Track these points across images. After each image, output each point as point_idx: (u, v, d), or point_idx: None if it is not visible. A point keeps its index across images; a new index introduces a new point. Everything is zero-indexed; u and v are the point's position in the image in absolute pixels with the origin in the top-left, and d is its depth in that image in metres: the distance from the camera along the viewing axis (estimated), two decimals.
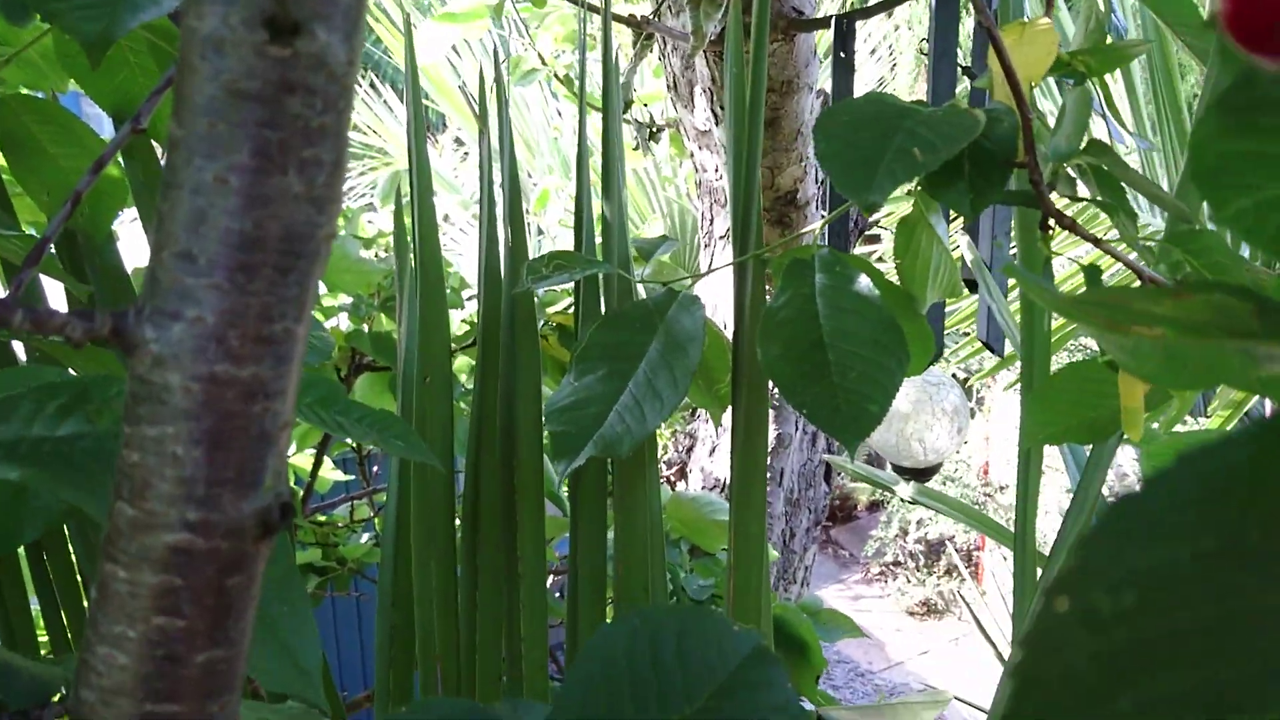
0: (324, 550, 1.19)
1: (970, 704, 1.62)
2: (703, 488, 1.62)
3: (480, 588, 0.77)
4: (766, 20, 0.76)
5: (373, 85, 3.66)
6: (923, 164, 0.53)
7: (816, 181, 1.38)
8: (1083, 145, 0.58)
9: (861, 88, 3.80)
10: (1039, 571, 0.88)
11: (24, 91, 0.66)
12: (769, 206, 1.39)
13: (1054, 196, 0.61)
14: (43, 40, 0.65)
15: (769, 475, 1.56)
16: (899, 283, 0.75)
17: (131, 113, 0.65)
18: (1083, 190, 0.62)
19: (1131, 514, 0.16)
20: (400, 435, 0.48)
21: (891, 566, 4.75)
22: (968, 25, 1.52)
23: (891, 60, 4.06)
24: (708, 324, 0.76)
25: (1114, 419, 0.67)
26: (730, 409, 0.76)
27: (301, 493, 1.18)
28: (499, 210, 0.83)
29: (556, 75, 1.61)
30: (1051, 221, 0.58)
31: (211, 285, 0.22)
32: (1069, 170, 0.61)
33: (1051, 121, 0.65)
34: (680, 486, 1.66)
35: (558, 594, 1.63)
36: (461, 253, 3.03)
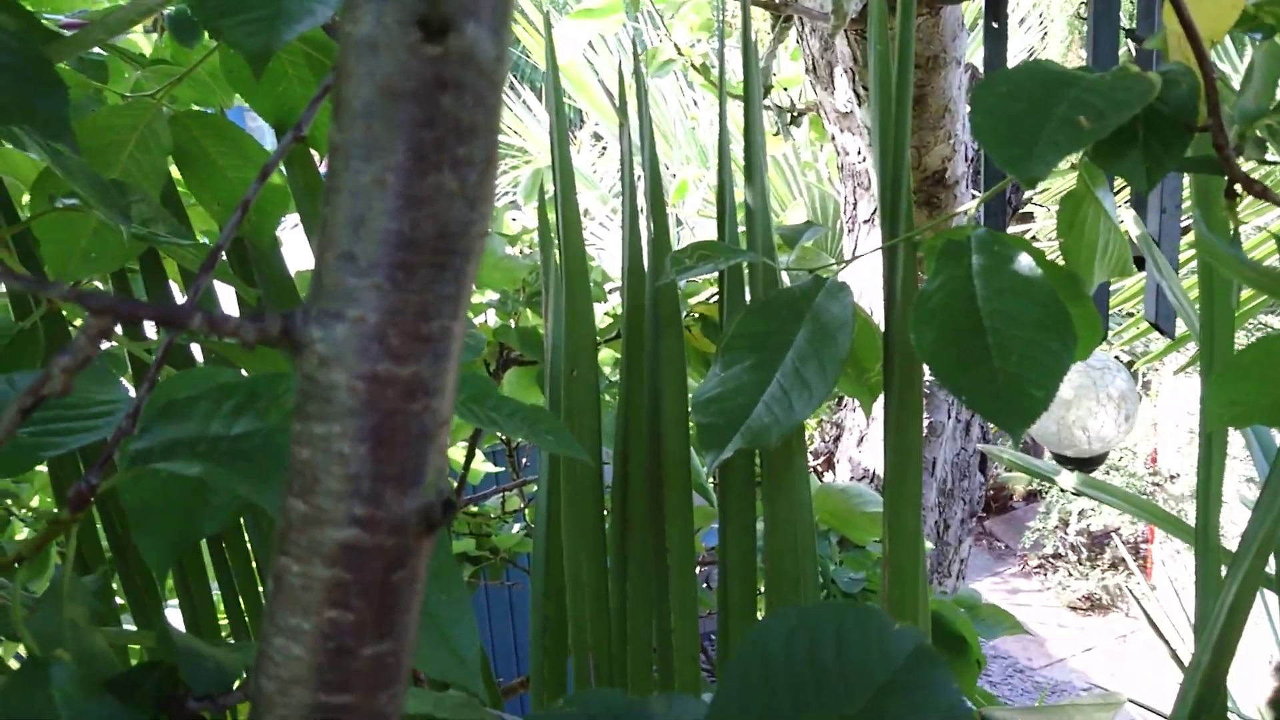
0: (478, 540, 1.23)
1: (1145, 706, 1.53)
2: (851, 478, 1.58)
3: (630, 579, 0.77)
4: None
5: (511, 85, 3.75)
6: (1091, 131, 0.50)
7: (966, 160, 1.32)
8: (1273, 105, 0.53)
9: (1010, 59, 3.64)
10: (1223, 569, 0.82)
11: (194, 108, 0.70)
12: (916, 187, 1.35)
13: (1240, 161, 0.56)
14: (209, 59, 0.68)
15: (922, 466, 1.51)
16: (1062, 262, 0.71)
17: (291, 123, 0.68)
18: (1272, 155, 0.57)
19: None
20: (551, 430, 0.48)
21: (1051, 559, 4.54)
22: None
23: (1042, 29, 3.87)
24: (857, 310, 0.74)
25: None
26: (882, 398, 0.74)
27: (455, 485, 1.22)
28: (640, 203, 0.83)
29: (693, 65, 1.60)
30: (1239, 188, 0.53)
31: (372, 285, 0.22)
32: (1257, 132, 0.56)
33: (1235, 82, 0.60)
34: (828, 477, 1.63)
35: (705, 584, 1.62)
36: (602, 247, 3.06)
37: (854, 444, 1.57)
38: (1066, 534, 4.45)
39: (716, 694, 0.40)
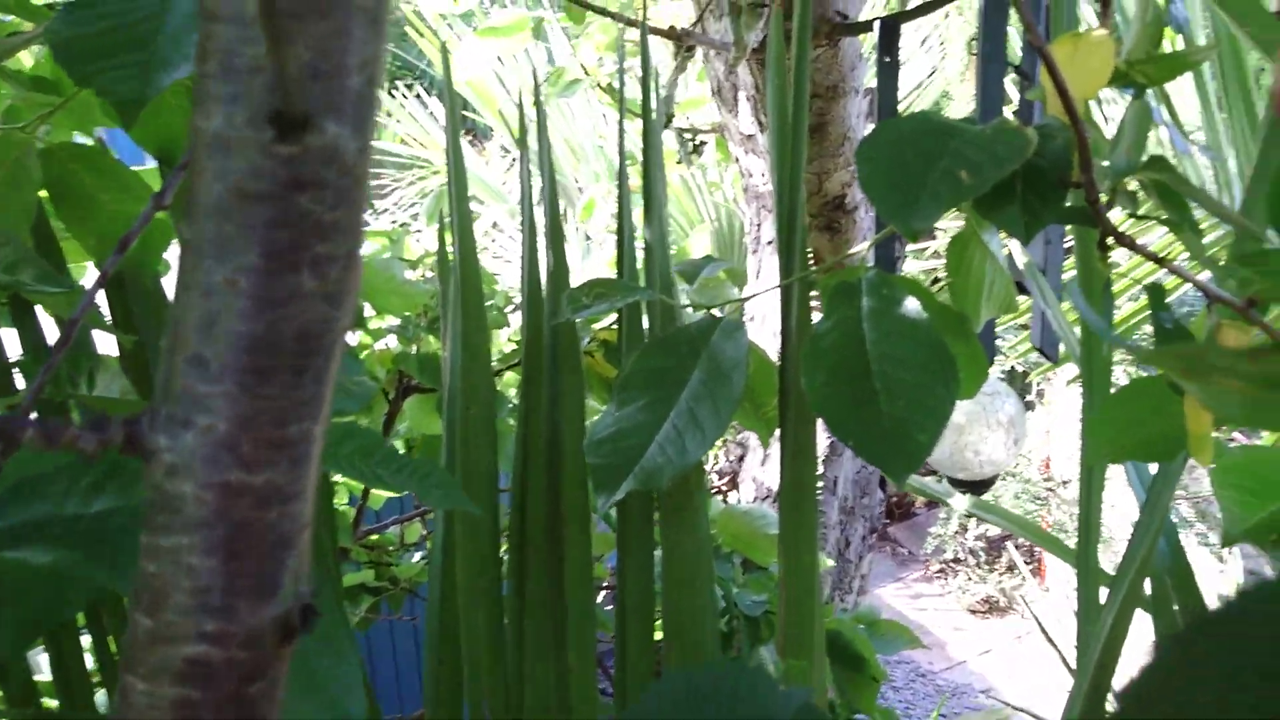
0: (377, 570, 1.20)
1: (1035, 716, 1.58)
2: (755, 498, 1.60)
3: (528, 616, 0.77)
4: (808, 27, 0.74)
5: (419, 96, 3.69)
6: (970, 187, 0.51)
7: None
8: (1144, 159, 0.55)
9: (911, 78, 3.74)
10: (1103, 592, 0.85)
11: (72, 138, 0.67)
12: (816, 212, 1.37)
13: (1114, 213, 0.58)
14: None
15: (823, 484, 1.54)
16: (951, 301, 0.73)
17: (176, 155, 0.66)
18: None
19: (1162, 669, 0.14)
20: (440, 484, 0.48)
21: (951, 564, 4.67)
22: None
23: (942, 51, 3.99)
24: (752, 348, 0.75)
25: (1180, 438, 0.65)
26: (779, 431, 0.75)
27: (355, 512, 1.19)
28: (539, 230, 0.82)
29: (600, 85, 1.60)
30: (1111, 240, 0.55)
31: (223, 392, 0.21)
32: (1129, 187, 0.58)
33: (1110, 132, 0.62)
34: (732, 497, 1.65)
35: (609, 607, 1.62)
36: (510, 260, 3.04)
37: (758, 464, 1.58)
38: (965, 539, 4.58)
39: None
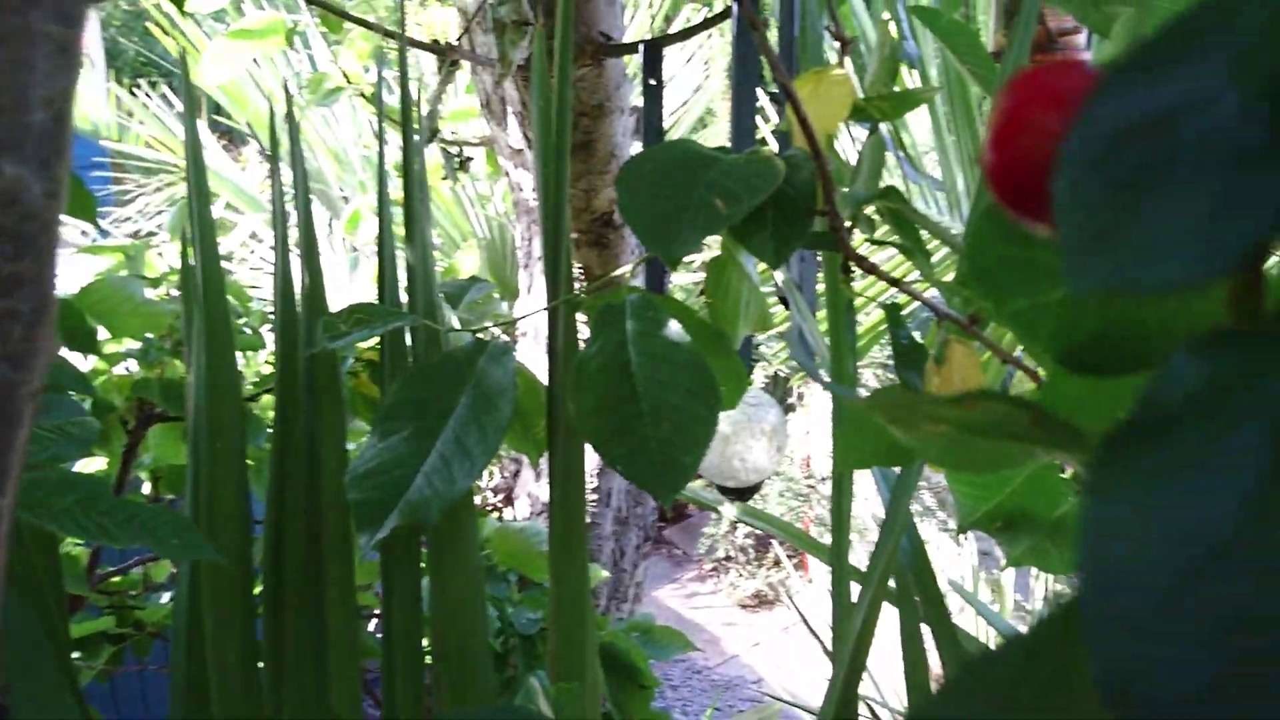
0: (119, 616, 1.09)
1: (800, 705, 1.67)
2: (531, 514, 1.59)
3: (287, 661, 0.72)
4: (570, 47, 0.74)
5: (165, 96, 3.42)
6: (728, 215, 0.53)
7: None
8: (880, 189, 0.59)
9: (677, 95, 3.85)
10: (855, 587, 0.91)
11: None
12: (585, 228, 1.38)
13: (857, 237, 0.62)
14: None
15: (596, 497, 1.55)
16: (711, 320, 0.75)
17: None
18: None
19: (952, 698, 0.15)
20: (178, 533, 0.43)
21: (723, 561, 4.86)
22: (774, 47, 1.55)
23: (706, 69, 4.15)
24: (520, 370, 0.74)
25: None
26: (548, 453, 0.74)
27: (90, 555, 1.08)
28: (293, 244, 0.78)
29: (362, 94, 1.54)
30: (853, 264, 0.59)
31: None
32: (868, 214, 0.62)
33: (855, 159, 0.66)
34: (508, 513, 1.63)
35: (379, 634, 1.55)
36: (270, 271, 2.87)
37: (533, 479, 1.58)
38: (735, 538, 4.78)
39: None
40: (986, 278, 0.29)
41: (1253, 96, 0.14)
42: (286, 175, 0.84)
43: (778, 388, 4.51)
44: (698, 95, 3.88)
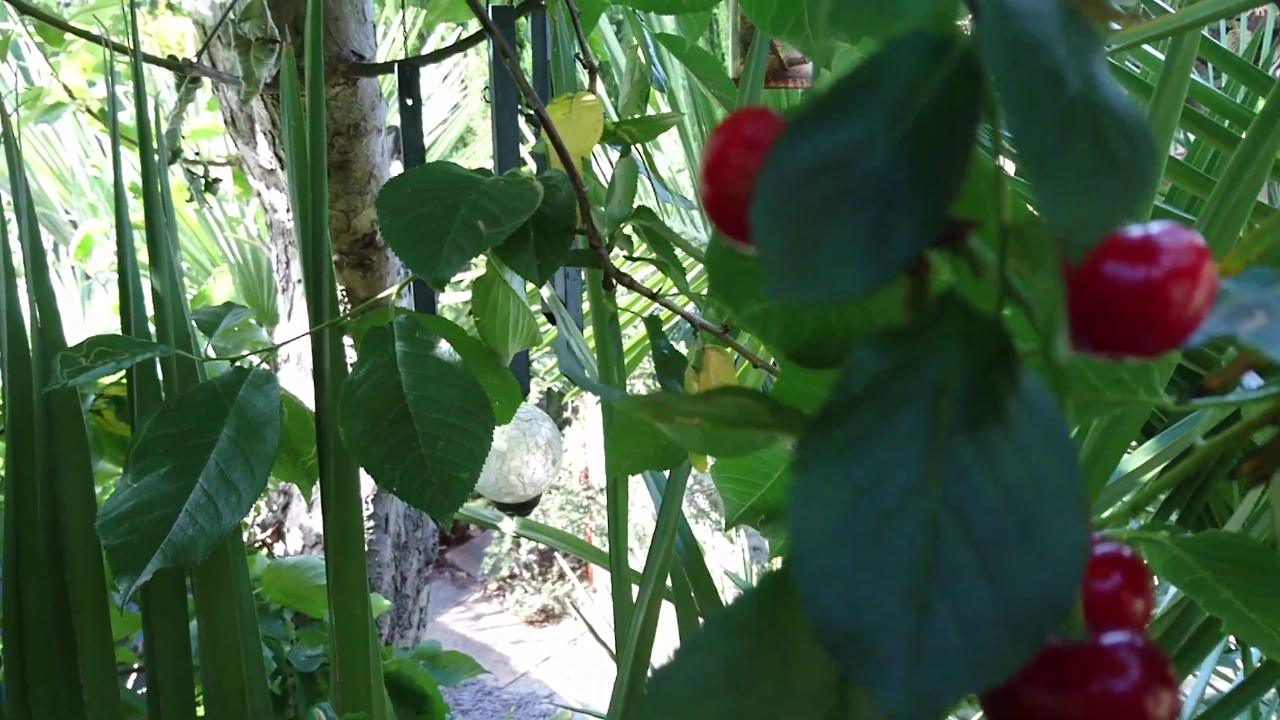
0: None
1: (589, 712, 1.69)
2: (304, 546, 1.53)
3: None
4: (321, 66, 0.73)
5: None
6: (488, 237, 0.54)
7: None
8: (635, 208, 0.63)
9: (436, 114, 3.81)
10: (635, 589, 0.94)
11: None
12: (347, 250, 1.35)
13: (616, 255, 0.65)
14: None
15: (374, 523, 1.51)
16: (480, 338, 0.76)
17: None
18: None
19: (667, 684, 0.17)
20: None
21: (508, 580, 4.83)
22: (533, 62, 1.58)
23: (464, 87, 4.13)
24: (286, 397, 0.72)
25: (681, 450, 0.74)
26: (320, 482, 0.73)
27: None
28: (19, 275, 0.72)
29: (90, 110, 1.43)
30: (614, 280, 0.62)
31: None
32: (625, 232, 0.66)
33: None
34: (278, 548, 1.56)
35: (142, 690, 1.45)
36: None
37: (304, 511, 1.52)
38: (519, 554, 4.77)
39: None
40: (725, 288, 0.32)
41: (898, 146, 0.18)
42: (5, 198, 0.77)
43: (552, 403, 4.55)
44: (456, 114, 3.86)
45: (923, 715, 0.16)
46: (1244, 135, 0.61)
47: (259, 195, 1.55)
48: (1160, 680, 0.19)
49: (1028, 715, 0.20)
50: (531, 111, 1.13)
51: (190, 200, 1.10)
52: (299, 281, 1.58)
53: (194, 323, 0.73)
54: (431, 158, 2.31)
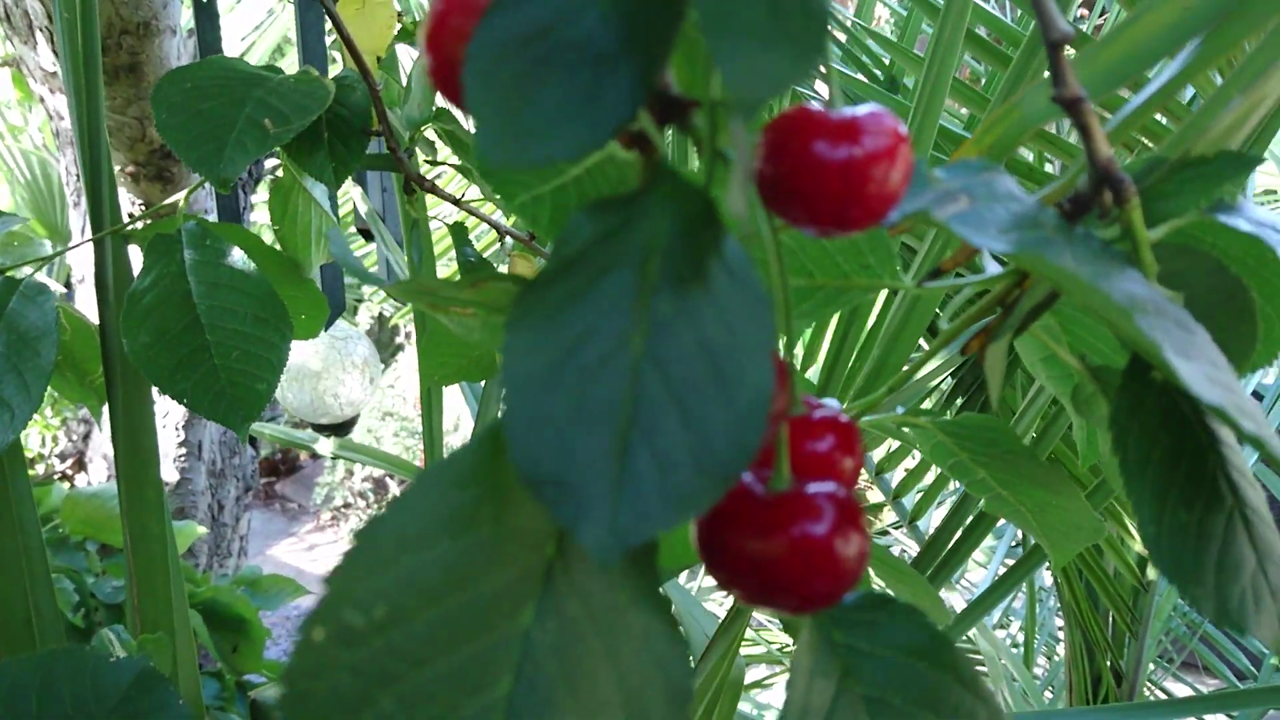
0: None
1: None
2: (108, 476, 1.46)
3: None
4: None
5: None
6: (277, 135, 0.52)
7: None
8: (434, 111, 0.61)
9: (249, 21, 3.57)
10: None
11: None
12: (144, 160, 1.27)
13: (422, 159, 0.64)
14: None
15: (186, 450, 1.45)
16: (281, 248, 0.73)
17: None
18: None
19: (379, 534, 0.18)
20: None
21: (342, 509, 4.75)
22: None
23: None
24: (67, 312, 0.68)
25: (493, 360, 0.74)
26: (108, 402, 0.69)
27: None
28: None
29: None
30: (414, 185, 0.61)
31: None
32: (427, 135, 0.64)
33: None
34: (80, 479, 1.48)
35: None
36: None
37: (107, 440, 1.44)
38: (353, 483, 4.68)
39: None
40: (494, 177, 0.33)
41: (608, 10, 0.18)
42: None
43: (384, 329, 4.44)
44: (272, 20, 3.63)
45: (620, 548, 0.17)
46: (1015, 54, 0.65)
47: (42, 101, 1.42)
48: (850, 524, 0.21)
49: (735, 558, 0.22)
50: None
51: None
52: None
53: None
54: (252, 57, 2.17)
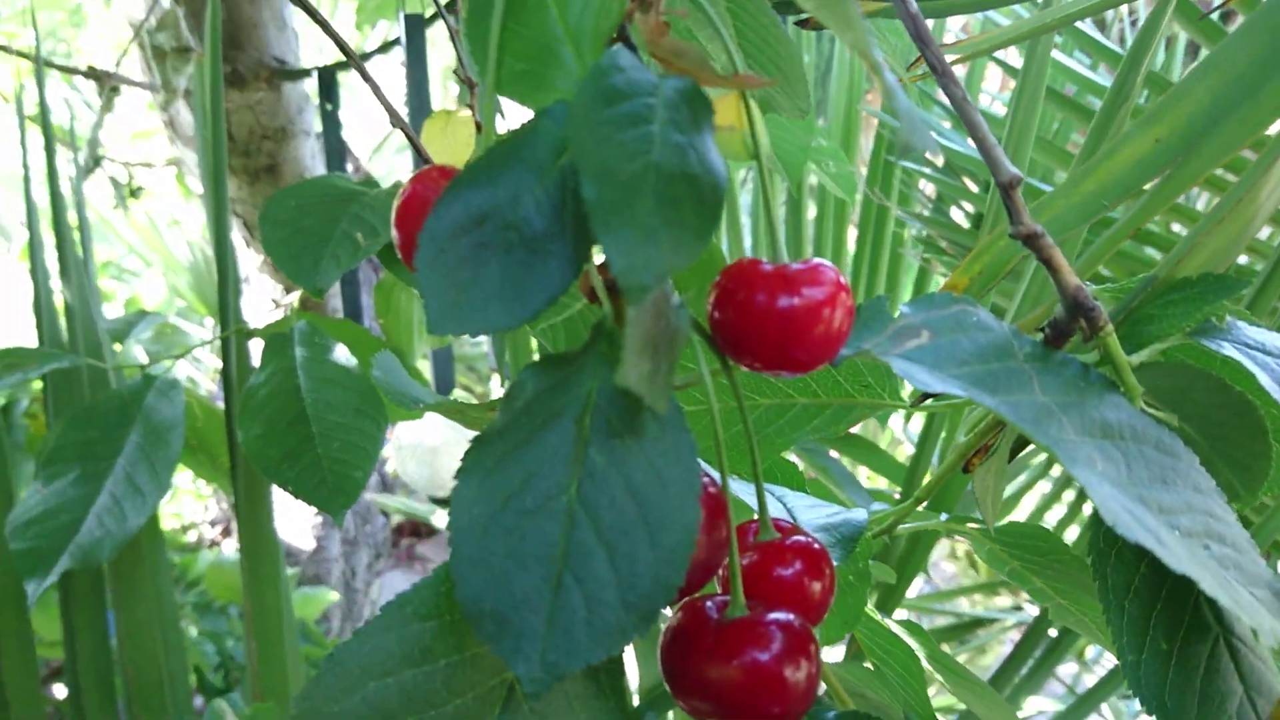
0: None
1: None
2: None
3: None
4: (219, 72, 0.75)
5: None
6: (367, 248, 0.57)
7: None
8: None
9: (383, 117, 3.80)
10: None
11: None
12: None
13: None
14: None
15: (323, 519, 1.54)
16: (387, 340, 0.79)
17: None
18: None
19: (345, 660, 0.20)
20: None
21: None
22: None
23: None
24: (198, 401, 0.75)
25: None
26: (232, 479, 0.75)
27: None
28: None
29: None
30: None
31: None
32: None
33: None
34: (228, 544, 1.59)
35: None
36: None
37: None
38: None
39: None
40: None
41: (542, 199, 0.21)
42: None
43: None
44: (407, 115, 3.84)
45: (550, 680, 0.19)
46: (1100, 105, 0.64)
47: (200, 196, 1.56)
48: (799, 651, 0.23)
49: (692, 682, 0.23)
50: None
51: (115, 206, 1.12)
52: (245, 280, 1.60)
53: (104, 332, 0.75)
54: (381, 158, 2.32)
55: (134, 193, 1.18)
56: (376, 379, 0.34)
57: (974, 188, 0.96)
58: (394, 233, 0.23)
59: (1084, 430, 0.24)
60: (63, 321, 0.75)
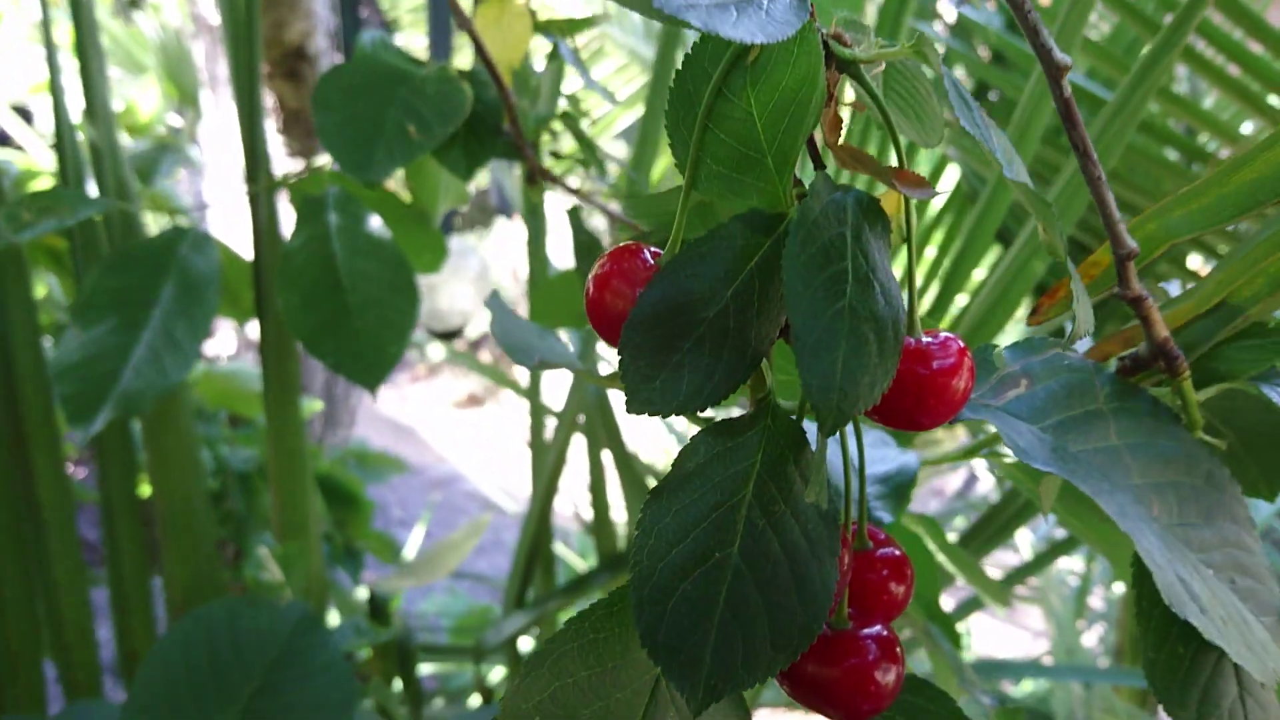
0: None
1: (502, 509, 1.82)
2: (238, 349, 1.58)
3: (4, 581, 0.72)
4: None
5: None
6: (421, 144, 0.57)
7: (326, 35, 1.34)
8: (559, 112, 0.66)
9: None
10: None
11: None
12: (278, 60, 1.33)
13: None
14: None
15: (299, 396, 1.56)
16: (413, 200, 0.80)
17: None
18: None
19: (538, 666, 0.25)
20: None
21: (436, 365, 4.96)
22: None
23: None
24: (224, 250, 0.76)
25: None
26: (259, 321, 0.77)
27: None
28: None
29: None
30: (538, 177, 0.66)
31: None
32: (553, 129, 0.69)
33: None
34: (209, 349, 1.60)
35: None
36: None
37: None
38: (454, 344, 4.87)
39: (123, 714, 0.44)
40: (637, 208, 0.37)
41: (731, 297, 0.23)
42: None
43: None
44: None
45: (709, 702, 0.24)
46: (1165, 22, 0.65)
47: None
48: (888, 658, 0.27)
49: (805, 682, 0.28)
50: None
51: (116, 15, 1.07)
52: (226, 81, 1.54)
53: (130, 170, 0.75)
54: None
55: (134, 3, 1.11)
56: (495, 335, 0.36)
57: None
58: (588, 299, 0.26)
59: (1147, 470, 0.29)
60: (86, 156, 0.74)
